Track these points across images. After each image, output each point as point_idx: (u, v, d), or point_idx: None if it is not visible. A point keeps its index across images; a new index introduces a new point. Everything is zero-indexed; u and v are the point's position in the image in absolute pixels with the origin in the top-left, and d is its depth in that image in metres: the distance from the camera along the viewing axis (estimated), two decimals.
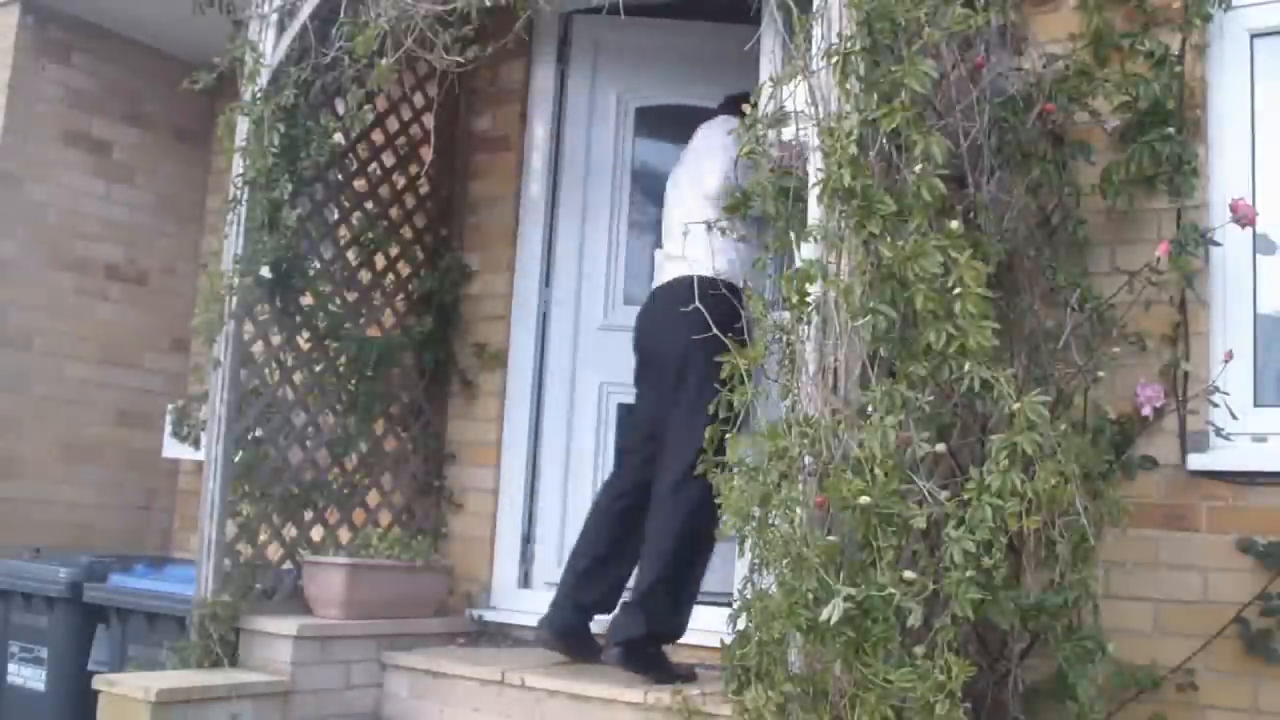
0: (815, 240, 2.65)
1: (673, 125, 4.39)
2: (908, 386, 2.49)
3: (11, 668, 4.55)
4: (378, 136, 4.49)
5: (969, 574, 2.31)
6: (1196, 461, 3.06)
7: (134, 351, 5.48)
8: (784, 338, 2.65)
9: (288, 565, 4.06)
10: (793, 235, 2.70)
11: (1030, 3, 3.39)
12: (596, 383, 4.50)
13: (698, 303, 3.11)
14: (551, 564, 4.30)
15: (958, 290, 2.47)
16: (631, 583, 3.58)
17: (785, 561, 2.45)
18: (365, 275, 4.44)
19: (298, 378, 4.15)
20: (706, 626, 3.49)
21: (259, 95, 3.85)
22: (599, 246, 4.58)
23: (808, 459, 2.52)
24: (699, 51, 4.55)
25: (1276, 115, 3.16)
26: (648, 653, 3.40)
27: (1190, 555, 3.03)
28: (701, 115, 3.99)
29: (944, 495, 2.40)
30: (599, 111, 4.64)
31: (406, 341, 4.46)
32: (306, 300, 4.15)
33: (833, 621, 2.29)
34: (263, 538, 3.98)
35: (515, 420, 4.48)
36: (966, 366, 2.46)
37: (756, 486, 2.54)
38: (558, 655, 3.65)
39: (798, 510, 2.48)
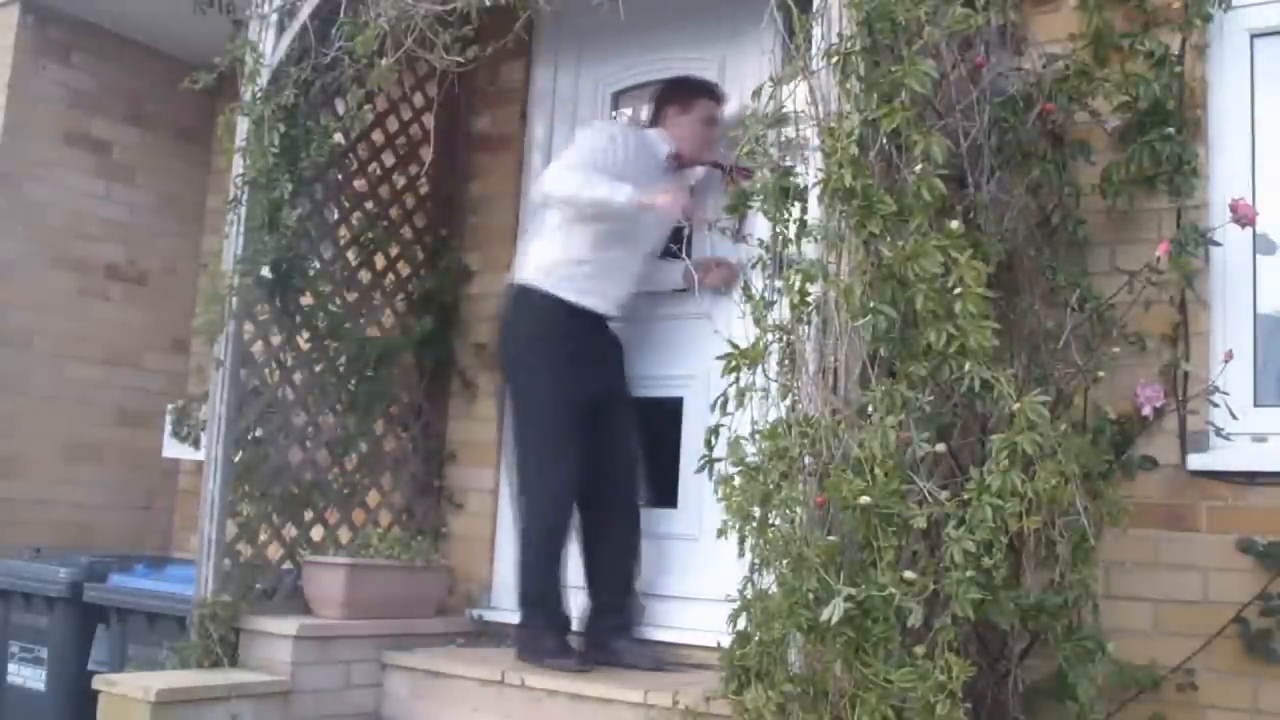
0: (815, 240, 2.65)
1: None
2: (908, 386, 2.49)
3: (11, 668, 4.55)
4: (378, 136, 4.49)
5: (969, 574, 2.32)
6: (1196, 461, 3.06)
7: (134, 351, 5.48)
8: (784, 338, 2.65)
9: (288, 565, 4.06)
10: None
11: (1030, 3, 3.39)
12: None
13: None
14: None
15: (958, 290, 2.48)
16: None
17: (785, 561, 2.46)
18: (365, 275, 4.44)
19: (298, 378, 4.15)
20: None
21: (259, 95, 3.85)
22: None
23: (808, 459, 2.52)
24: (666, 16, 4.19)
25: (1277, 115, 3.16)
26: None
27: (1190, 555, 3.03)
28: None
29: (944, 495, 2.40)
30: (584, 103, 4.54)
31: (406, 341, 4.46)
32: (306, 300, 4.15)
33: (833, 621, 2.29)
34: (263, 538, 3.98)
35: None
36: (966, 366, 2.46)
37: (756, 486, 2.54)
38: None
39: (798, 510, 2.49)
